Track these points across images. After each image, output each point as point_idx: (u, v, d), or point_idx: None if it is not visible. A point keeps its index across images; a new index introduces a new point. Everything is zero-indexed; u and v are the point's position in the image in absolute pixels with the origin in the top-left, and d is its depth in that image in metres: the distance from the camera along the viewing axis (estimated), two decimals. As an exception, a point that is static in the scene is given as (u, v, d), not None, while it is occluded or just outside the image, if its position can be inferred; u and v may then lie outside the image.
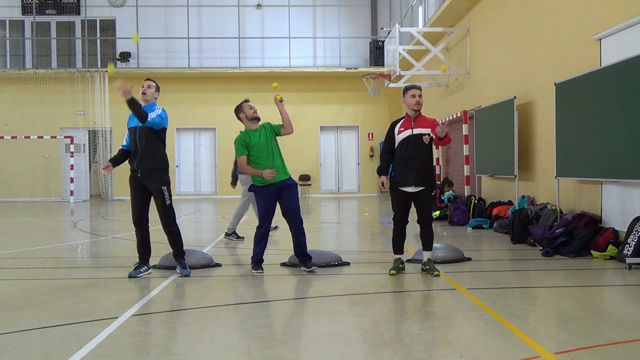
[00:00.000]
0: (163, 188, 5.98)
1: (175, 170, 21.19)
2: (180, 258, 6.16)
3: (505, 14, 11.21)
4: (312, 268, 6.23)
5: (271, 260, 6.61)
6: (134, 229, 6.14)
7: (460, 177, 13.37)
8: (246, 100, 6.46)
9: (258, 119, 6.35)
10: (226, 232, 9.06)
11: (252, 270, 6.16)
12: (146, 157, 5.93)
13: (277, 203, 6.28)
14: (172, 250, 6.22)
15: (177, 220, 6.25)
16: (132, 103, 5.67)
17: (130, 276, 5.99)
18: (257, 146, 6.19)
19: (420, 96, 6.02)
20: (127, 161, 6.14)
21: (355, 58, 21.78)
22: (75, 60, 21.43)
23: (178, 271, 6.11)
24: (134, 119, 6.01)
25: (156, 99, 6.15)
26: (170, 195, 6.07)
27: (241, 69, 20.74)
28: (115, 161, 6.14)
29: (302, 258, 6.30)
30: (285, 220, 6.35)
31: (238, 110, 6.41)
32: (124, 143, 6.17)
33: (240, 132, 6.53)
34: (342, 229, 11.46)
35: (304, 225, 6.31)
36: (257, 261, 6.21)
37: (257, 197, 6.24)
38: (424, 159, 5.99)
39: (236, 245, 8.55)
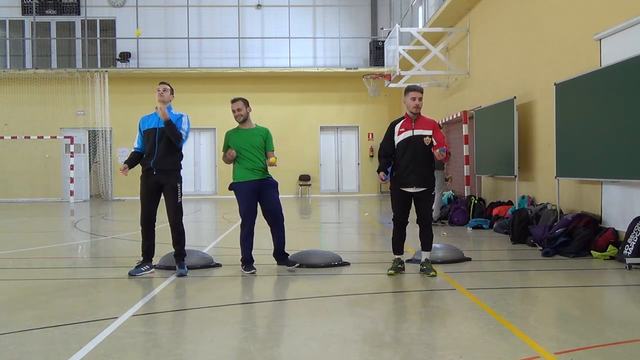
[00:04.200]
0: (178, 185, 6.16)
1: (175, 170, 21.16)
2: (180, 258, 6.19)
3: (505, 14, 11.21)
4: (294, 266, 6.29)
5: (271, 261, 6.60)
6: (141, 228, 6.22)
7: (460, 177, 13.37)
8: (235, 100, 6.33)
9: (242, 122, 6.32)
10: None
11: (243, 271, 6.15)
12: (165, 157, 6.09)
13: (258, 203, 6.29)
14: (173, 250, 6.24)
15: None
16: (169, 125, 6.02)
17: (130, 274, 6.02)
18: (237, 144, 6.25)
19: (420, 99, 5.99)
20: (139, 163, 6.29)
21: (355, 58, 21.77)
22: (75, 60, 21.41)
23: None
24: (150, 121, 6.21)
25: (171, 101, 6.30)
26: (182, 194, 6.22)
27: (241, 69, 20.73)
28: (131, 163, 6.27)
29: (282, 256, 6.38)
30: (266, 221, 6.36)
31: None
32: (136, 146, 6.31)
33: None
34: (342, 229, 11.46)
35: (284, 224, 6.39)
36: (247, 260, 6.21)
37: (237, 194, 6.25)
38: (425, 160, 5.98)
39: (236, 246, 8.54)
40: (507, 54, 11.07)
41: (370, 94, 18.31)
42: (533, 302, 4.98)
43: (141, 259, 6.21)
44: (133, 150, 6.37)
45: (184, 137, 6.15)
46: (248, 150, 6.22)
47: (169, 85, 6.28)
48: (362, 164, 21.88)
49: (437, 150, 5.84)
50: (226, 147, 6.33)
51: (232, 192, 6.31)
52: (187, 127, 6.22)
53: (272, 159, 6.25)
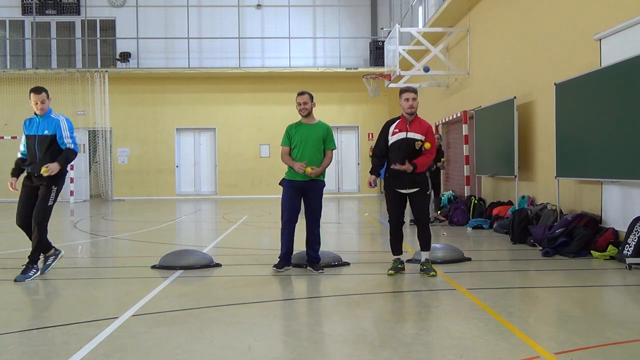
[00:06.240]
0: (53, 187, 5.94)
1: (175, 170, 21.20)
2: (33, 259, 5.97)
3: (505, 14, 11.21)
4: (320, 270, 6.21)
5: (271, 260, 6.60)
6: (23, 231, 6.09)
7: (460, 177, 13.37)
8: (302, 93, 6.37)
9: (305, 116, 6.37)
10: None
11: (273, 267, 6.20)
12: (44, 163, 5.87)
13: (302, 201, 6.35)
14: (46, 251, 6.14)
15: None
16: (63, 165, 5.89)
17: (16, 280, 5.77)
18: (296, 138, 6.30)
19: (414, 99, 6.00)
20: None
21: (355, 58, 21.77)
22: (75, 61, 21.41)
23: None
24: (32, 127, 6.02)
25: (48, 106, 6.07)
26: (55, 199, 6.00)
27: (241, 69, 20.73)
28: (19, 172, 6.15)
29: (313, 259, 6.32)
30: (306, 220, 6.38)
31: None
32: (22, 149, 6.15)
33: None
34: (342, 229, 11.46)
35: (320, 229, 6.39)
36: (281, 256, 6.24)
37: (284, 190, 6.31)
38: None
39: (236, 246, 8.55)
40: (507, 54, 11.06)
41: (370, 94, 18.31)
42: (533, 302, 4.98)
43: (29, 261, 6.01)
44: (20, 156, 6.18)
45: (73, 148, 5.94)
46: (306, 144, 6.25)
47: (45, 92, 5.98)
48: (362, 164, 21.87)
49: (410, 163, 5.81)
50: (286, 141, 6.37)
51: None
52: (69, 132, 5.98)
53: (307, 169, 6.11)
